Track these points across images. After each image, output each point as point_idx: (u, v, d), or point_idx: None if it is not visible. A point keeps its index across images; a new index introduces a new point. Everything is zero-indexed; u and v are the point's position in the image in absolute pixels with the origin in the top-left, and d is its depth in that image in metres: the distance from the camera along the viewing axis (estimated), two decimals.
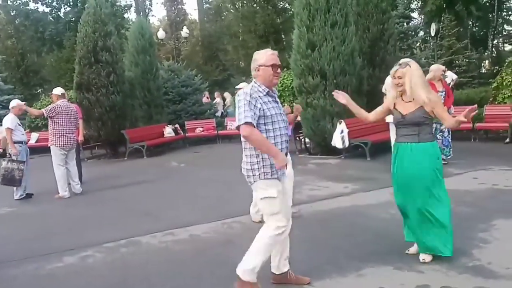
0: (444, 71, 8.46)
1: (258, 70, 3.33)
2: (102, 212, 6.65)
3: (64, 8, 28.87)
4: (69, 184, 7.91)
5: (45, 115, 7.78)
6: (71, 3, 28.03)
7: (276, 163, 3.17)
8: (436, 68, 7.85)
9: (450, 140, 7.99)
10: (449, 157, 7.96)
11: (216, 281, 3.83)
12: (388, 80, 7.66)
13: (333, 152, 9.57)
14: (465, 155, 8.54)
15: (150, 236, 5.19)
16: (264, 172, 3.27)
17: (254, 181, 3.32)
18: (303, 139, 11.17)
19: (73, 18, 26.09)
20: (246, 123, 3.10)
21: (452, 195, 5.84)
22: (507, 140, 9.80)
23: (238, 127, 3.16)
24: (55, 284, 4.08)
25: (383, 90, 7.92)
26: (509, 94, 10.70)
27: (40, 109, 17.65)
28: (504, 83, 11.02)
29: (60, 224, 6.18)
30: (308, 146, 10.87)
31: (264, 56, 3.35)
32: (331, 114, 9.48)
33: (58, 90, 8.10)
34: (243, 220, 5.54)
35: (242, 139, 3.26)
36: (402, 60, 3.90)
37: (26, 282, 4.16)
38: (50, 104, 16.42)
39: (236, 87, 9.20)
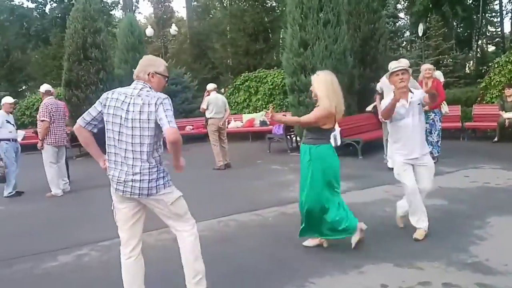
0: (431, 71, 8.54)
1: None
2: (95, 210, 6.55)
3: (50, 4, 28.48)
4: None
5: (47, 120, 7.48)
6: None
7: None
8: (423, 67, 7.96)
9: (436, 140, 8.05)
10: (436, 155, 8.06)
11: (215, 279, 3.80)
12: (384, 79, 7.72)
13: None
14: (454, 153, 8.65)
15: (146, 234, 5.09)
16: None
17: None
18: (294, 138, 11.20)
19: (59, 14, 25.76)
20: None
21: (446, 192, 5.98)
22: (495, 139, 9.93)
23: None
24: (51, 283, 4.03)
25: (378, 89, 7.96)
26: (497, 94, 10.85)
27: (26, 106, 17.58)
28: (492, 83, 11.18)
29: (52, 222, 6.10)
30: (299, 145, 10.88)
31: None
32: None
33: (44, 88, 7.94)
34: (239, 218, 5.52)
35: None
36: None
37: (21, 282, 4.09)
38: (36, 101, 16.44)
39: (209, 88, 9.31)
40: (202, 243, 4.76)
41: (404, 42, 23.77)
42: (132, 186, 3.02)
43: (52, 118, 7.54)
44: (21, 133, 14.67)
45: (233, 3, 25.05)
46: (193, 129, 14.48)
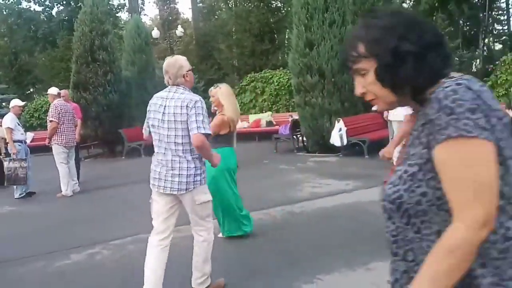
0: None
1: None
2: (105, 210, 6.67)
3: (57, 7, 28.66)
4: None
5: (56, 121, 7.61)
6: (64, 2, 27.85)
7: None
8: None
9: None
10: None
11: (226, 277, 3.88)
12: None
13: (331, 150, 9.66)
14: None
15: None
16: None
17: None
18: (300, 137, 11.26)
19: (66, 17, 25.92)
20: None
21: None
22: None
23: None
24: (64, 281, 4.11)
25: None
26: (503, 92, 10.85)
27: (35, 109, 17.76)
28: (499, 82, 11.18)
29: (63, 222, 6.20)
30: (305, 144, 10.95)
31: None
32: (329, 112, 9.56)
33: (53, 90, 8.07)
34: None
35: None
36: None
37: (34, 280, 4.18)
38: (44, 103, 16.60)
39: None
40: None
41: None
42: (171, 181, 3.25)
43: (62, 120, 7.64)
44: (29, 135, 14.86)
45: (238, 4, 25.11)
46: None
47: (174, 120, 3.19)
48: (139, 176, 9.09)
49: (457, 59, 20.75)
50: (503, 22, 37.46)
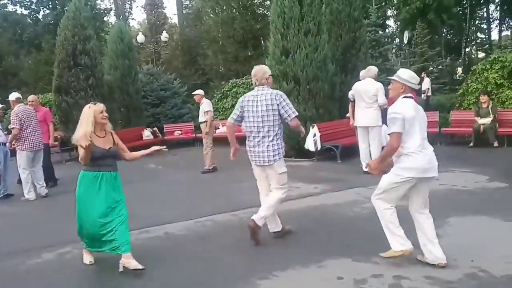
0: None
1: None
2: None
3: (43, 11, 28.72)
4: (35, 186, 7.99)
5: (17, 127, 7.66)
6: (50, 6, 27.90)
7: None
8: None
9: None
10: None
11: (188, 273, 4.11)
12: (356, 86, 8.05)
13: (306, 155, 9.92)
14: None
15: None
16: None
17: None
18: None
19: (52, 21, 25.98)
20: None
21: None
22: (471, 144, 10.29)
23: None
24: (35, 279, 4.29)
25: (350, 97, 8.27)
26: (474, 100, 11.22)
27: None
28: (470, 90, 11.55)
29: (37, 222, 6.38)
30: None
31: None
32: (305, 118, 9.79)
33: (12, 96, 8.11)
34: (215, 219, 5.83)
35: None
36: None
37: (6, 277, 4.36)
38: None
39: (194, 93, 9.71)
40: (179, 241, 5.10)
41: (394, 49, 24.18)
42: (262, 156, 4.62)
43: (25, 125, 7.68)
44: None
45: (224, 10, 25.41)
46: (181, 134, 14.76)
47: (266, 109, 4.53)
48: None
49: (435, 67, 21.26)
50: (486, 31, 38.25)
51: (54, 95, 12.88)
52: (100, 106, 4.36)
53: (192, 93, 9.91)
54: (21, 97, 8.25)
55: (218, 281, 3.91)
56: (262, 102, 4.54)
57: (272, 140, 4.57)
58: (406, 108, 3.75)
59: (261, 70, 4.72)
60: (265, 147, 4.58)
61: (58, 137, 12.61)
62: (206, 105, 9.48)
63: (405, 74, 3.91)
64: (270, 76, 4.79)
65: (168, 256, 4.58)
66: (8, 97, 8.29)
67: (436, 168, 3.84)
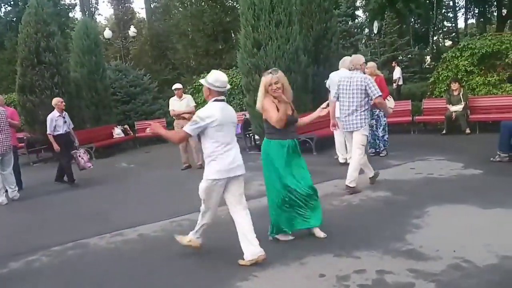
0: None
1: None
2: (49, 216, 6.56)
3: (4, 8, 27.68)
4: (6, 191, 7.66)
5: None
6: (12, 3, 26.91)
7: None
8: (369, 65, 8.25)
9: (382, 135, 8.44)
10: (378, 150, 8.46)
11: (166, 276, 3.94)
12: (332, 76, 7.97)
13: None
14: (404, 147, 9.01)
15: (98, 237, 5.20)
16: None
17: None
18: (252, 136, 11.38)
19: (14, 18, 25.05)
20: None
21: (391, 185, 6.29)
22: (444, 131, 10.38)
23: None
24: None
25: (327, 86, 8.19)
26: (445, 88, 11.30)
27: None
28: (440, 78, 11.64)
29: (3, 229, 6.06)
30: (257, 143, 11.07)
31: None
32: None
33: None
34: (192, 218, 5.64)
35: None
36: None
37: None
38: None
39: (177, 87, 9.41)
40: (154, 243, 4.91)
41: (364, 39, 24.31)
42: (349, 122, 6.01)
43: None
44: None
45: (192, 3, 25.02)
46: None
47: (357, 88, 5.85)
48: (88, 179, 8.99)
49: (405, 56, 21.47)
50: (452, 19, 38.99)
51: (18, 95, 12.39)
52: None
53: (174, 88, 9.56)
54: None
55: (197, 285, 3.75)
56: (354, 83, 5.86)
57: (360, 112, 5.87)
58: (211, 112, 3.83)
59: (356, 58, 6.20)
60: (354, 117, 5.90)
61: (25, 138, 12.17)
62: (191, 101, 9.53)
63: (210, 78, 3.93)
64: (363, 64, 6.17)
65: (144, 260, 4.39)
66: None
67: (243, 167, 4.08)
